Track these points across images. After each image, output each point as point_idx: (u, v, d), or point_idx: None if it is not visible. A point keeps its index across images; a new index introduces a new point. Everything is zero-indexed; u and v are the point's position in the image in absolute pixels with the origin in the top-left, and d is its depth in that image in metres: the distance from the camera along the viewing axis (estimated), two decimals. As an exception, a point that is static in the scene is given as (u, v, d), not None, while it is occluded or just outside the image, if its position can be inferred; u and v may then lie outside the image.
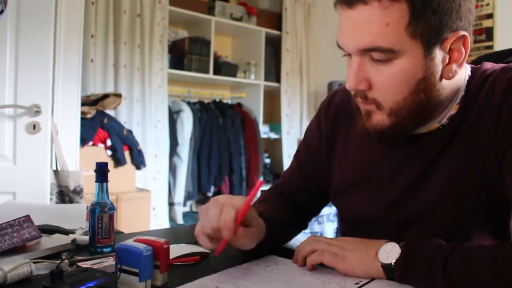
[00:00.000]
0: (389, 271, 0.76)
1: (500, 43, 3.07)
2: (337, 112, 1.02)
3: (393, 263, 0.75)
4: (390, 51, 0.74)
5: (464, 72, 0.84)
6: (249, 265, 0.85)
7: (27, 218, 0.88)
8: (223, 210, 0.79)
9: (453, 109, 0.83)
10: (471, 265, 0.68)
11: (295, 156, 1.12)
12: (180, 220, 3.52)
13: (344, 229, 1.02)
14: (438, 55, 0.76)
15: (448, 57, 0.77)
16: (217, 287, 0.73)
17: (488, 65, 0.85)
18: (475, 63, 0.91)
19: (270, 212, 0.96)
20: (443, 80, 0.79)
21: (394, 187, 0.87)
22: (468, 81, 0.84)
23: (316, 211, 1.13)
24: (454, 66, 0.78)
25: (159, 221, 3.30)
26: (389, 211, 0.88)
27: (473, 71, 0.85)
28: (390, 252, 0.76)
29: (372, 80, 0.78)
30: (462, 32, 0.76)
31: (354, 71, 0.78)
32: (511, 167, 0.76)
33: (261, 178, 4.02)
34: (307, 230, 3.62)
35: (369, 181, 0.92)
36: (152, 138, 3.31)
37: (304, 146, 1.09)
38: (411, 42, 0.74)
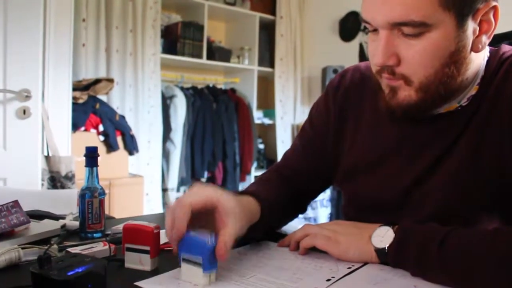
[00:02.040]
0: (383, 256, 0.75)
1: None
2: (346, 93, 0.98)
3: (386, 248, 0.74)
4: (422, 25, 0.71)
5: (483, 52, 0.82)
6: (242, 250, 0.84)
7: (16, 204, 0.87)
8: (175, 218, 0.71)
9: (473, 89, 0.80)
10: (466, 249, 0.67)
11: (299, 136, 1.07)
12: (173, 206, 3.51)
13: (354, 214, 0.96)
14: (470, 26, 0.74)
15: (478, 28, 0.75)
16: (208, 272, 0.73)
17: (506, 48, 0.83)
18: None
19: (267, 193, 0.91)
20: (472, 53, 0.77)
21: (413, 169, 0.84)
22: (487, 61, 0.82)
23: (315, 194, 1.09)
24: (484, 38, 0.76)
25: (152, 206, 3.29)
26: (407, 193, 0.85)
27: (491, 52, 0.83)
28: (383, 236, 0.76)
29: (401, 55, 0.75)
30: (494, 3, 0.74)
31: (382, 46, 0.74)
32: None
33: (255, 164, 4.02)
34: (300, 216, 3.62)
35: (386, 163, 0.89)
36: (145, 124, 3.29)
37: (310, 126, 1.05)
38: (444, 14, 0.71)
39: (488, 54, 0.83)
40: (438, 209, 0.82)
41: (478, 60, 0.80)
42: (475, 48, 0.76)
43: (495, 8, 0.75)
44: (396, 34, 0.74)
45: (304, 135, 1.06)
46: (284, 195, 0.98)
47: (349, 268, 0.75)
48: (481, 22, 0.75)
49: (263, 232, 0.90)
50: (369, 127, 0.93)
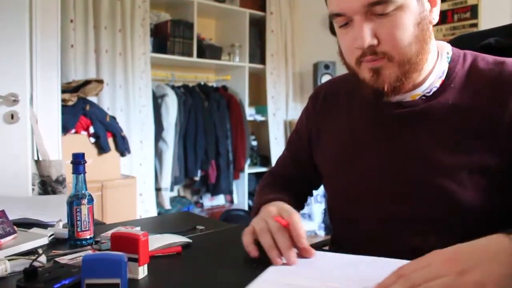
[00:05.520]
0: None
1: (484, 21, 3.06)
2: (324, 98, 1.05)
3: None
4: (390, 2, 0.79)
5: (445, 47, 0.90)
6: None
7: (2, 214, 0.86)
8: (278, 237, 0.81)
9: (436, 82, 0.87)
10: None
11: (287, 146, 1.16)
12: (167, 205, 3.50)
13: (339, 209, 1.01)
14: (425, 1, 0.84)
15: (429, 4, 0.85)
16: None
17: (473, 54, 0.89)
18: (455, 42, 0.93)
19: (282, 195, 0.99)
20: (430, 26, 0.85)
21: (384, 160, 0.89)
22: (452, 61, 0.88)
23: (307, 195, 1.17)
24: (434, 10, 0.85)
25: (146, 207, 3.28)
26: (380, 183, 0.89)
27: (456, 53, 0.90)
28: None
29: (378, 35, 0.81)
30: None
31: (363, 28, 0.80)
32: None
33: (248, 161, 4.01)
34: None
35: (362, 155, 0.93)
36: (137, 124, 3.27)
37: (296, 135, 1.13)
38: None
39: (450, 52, 0.90)
40: (414, 198, 0.85)
41: (433, 44, 0.88)
42: (431, 20, 0.85)
43: None
44: (370, 18, 0.81)
45: (292, 145, 1.14)
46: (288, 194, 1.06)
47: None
48: None
49: None
50: (346, 118, 0.98)
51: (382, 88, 0.84)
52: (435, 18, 0.86)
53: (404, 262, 0.64)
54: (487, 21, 3.02)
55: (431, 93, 0.87)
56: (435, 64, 0.88)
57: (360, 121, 0.95)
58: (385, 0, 0.79)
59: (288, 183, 1.11)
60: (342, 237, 1.01)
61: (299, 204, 1.13)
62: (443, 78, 0.87)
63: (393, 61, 0.82)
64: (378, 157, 0.90)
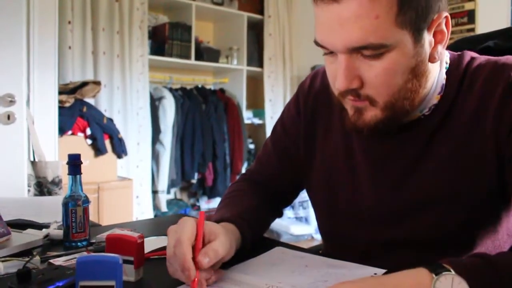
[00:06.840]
0: None
1: (481, 26, 3.07)
2: (316, 97, 0.97)
3: None
4: (381, 47, 0.70)
5: (443, 58, 0.82)
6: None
7: (-4, 214, 0.85)
8: (176, 251, 0.70)
9: (435, 98, 0.80)
10: None
11: (272, 139, 1.06)
12: (164, 208, 3.49)
13: (329, 226, 0.97)
14: (426, 39, 0.74)
15: (433, 40, 0.75)
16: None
17: (468, 56, 0.83)
18: (454, 46, 0.90)
19: (243, 210, 0.90)
20: (429, 63, 0.77)
21: (378, 182, 0.85)
22: (449, 69, 0.82)
23: (290, 198, 1.09)
24: (439, 48, 0.76)
25: (142, 209, 3.27)
26: (374, 206, 0.85)
27: (452, 59, 0.83)
28: None
29: (363, 77, 0.73)
30: (445, 13, 0.74)
31: (343, 70, 0.72)
32: None
33: (245, 164, 4.01)
34: (291, 215, 3.63)
35: (355, 175, 0.88)
36: (134, 126, 3.26)
37: (282, 129, 1.04)
38: (402, 33, 0.70)
39: (448, 61, 0.82)
40: (412, 220, 0.82)
41: (435, 69, 0.79)
42: (432, 59, 0.76)
43: (446, 18, 0.75)
44: (356, 57, 0.72)
45: (277, 139, 1.04)
46: (259, 205, 0.97)
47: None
48: (434, 33, 0.75)
49: (249, 248, 0.87)
50: (339, 135, 0.92)
51: (362, 130, 0.78)
52: (439, 55, 0.76)
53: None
54: (484, 26, 3.03)
55: (429, 111, 0.80)
56: (433, 84, 0.80)
57: (355, 140, 0.89)
58: (372, 45, 0.69)
59: (266, 186, 1.02)
60: (333, 251, 0.96)
61: (276, 208, 1.05)
62: (442, 93, 0.80)
63: (376, 105, 0.75)
64: (373, 180, 0.86)
